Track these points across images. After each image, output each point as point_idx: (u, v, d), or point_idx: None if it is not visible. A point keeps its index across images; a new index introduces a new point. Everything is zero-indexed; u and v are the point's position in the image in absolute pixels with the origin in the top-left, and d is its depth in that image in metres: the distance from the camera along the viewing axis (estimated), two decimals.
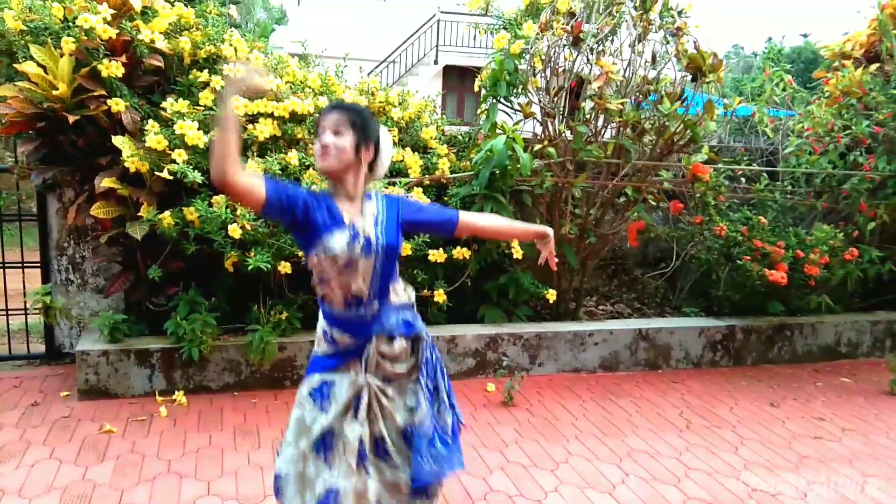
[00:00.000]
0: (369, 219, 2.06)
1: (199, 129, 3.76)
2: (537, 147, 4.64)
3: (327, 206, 2.01)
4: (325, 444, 2.03)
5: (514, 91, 4.62)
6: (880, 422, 4.13)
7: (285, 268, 3.89)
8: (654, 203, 5.11)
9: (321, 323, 2.14)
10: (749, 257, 4.92)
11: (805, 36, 34.64)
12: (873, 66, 5.67)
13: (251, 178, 1.89)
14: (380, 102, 4.62)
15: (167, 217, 3.76)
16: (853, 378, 4.93)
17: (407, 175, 4.38)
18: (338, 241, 1.97)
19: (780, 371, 5.02)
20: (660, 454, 3.57)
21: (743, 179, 6.00)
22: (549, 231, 2.42)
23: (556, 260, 2.48)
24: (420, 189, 4.30)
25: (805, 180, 5.81)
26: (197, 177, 3.70)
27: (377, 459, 2.07)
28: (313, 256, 2.01)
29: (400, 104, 4.72)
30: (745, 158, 6.22)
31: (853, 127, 5.35)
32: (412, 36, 17.32)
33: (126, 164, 3.72)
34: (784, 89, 6.08)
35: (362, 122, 2.02)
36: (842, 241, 5.16)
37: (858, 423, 4.09)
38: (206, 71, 4.09)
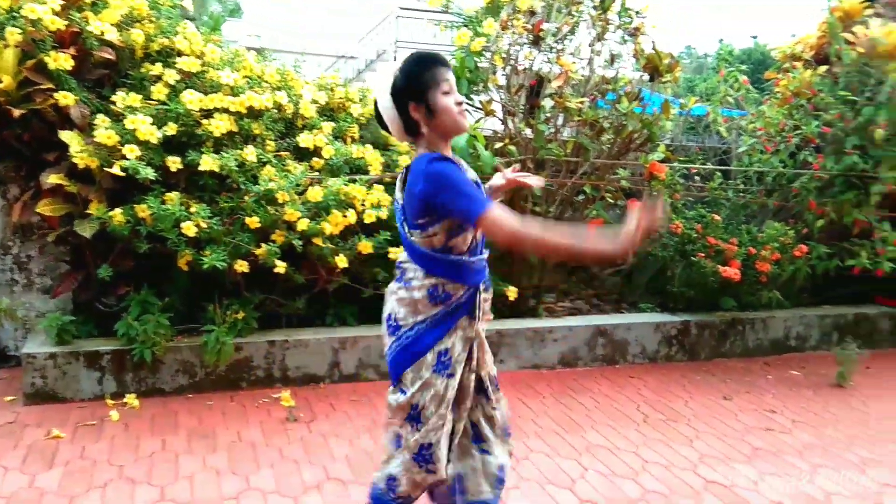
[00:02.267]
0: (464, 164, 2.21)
1: (151, 123, 3.65)
2: (498, 145, 4.65)
3: (460, 168, 2.11)
4: (454, 405, 2.21)
5: (475, 89, 4.62)
6: (828, 413, 4.27)
7: (242, 266, 3.81)
8: (612, 201, 5.17)
9: (424, 284, 2.11)
10: (703, 254, 5.03)
11: (755, 37, 35.60)
12: (822, 68, 5.84)
13: (512, 216, 1.97)
14: (339, 99, 4.57)
15: (118, 215, 3.64)
16: (802, 371, 5.08)
17: (367, 172, 4.34)
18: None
19: (732, 365, 5.14)
20: (618, 449, 3.62)
21: (698, 178, 6.13)
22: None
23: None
24: (381, 186, 4.26)
25: (757, 179, 5.96)
26: (149, 173, 3.60)
27: (479, 397, 2.30)
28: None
29: (360, 100, 4.67)
30: (699, 157, 6.35)
31: (803, 127, 5.51)
32: (371, 32, 17.21)
33: (74, 160, 3.60)
34: (738, 90, 6.22)
35: None
36: (792, 238, 5.30)
37: (808, 416, 4.22)
38: (158, 64, 3.97)
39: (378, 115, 2.16)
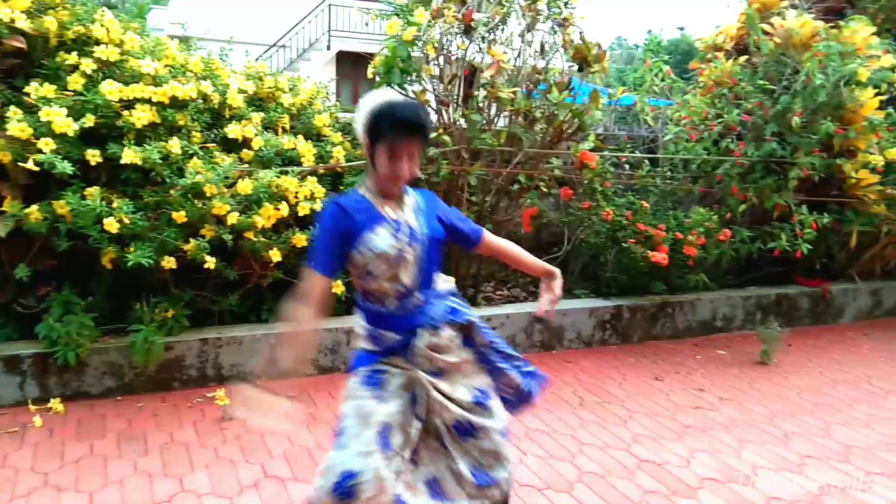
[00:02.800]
0: (409, 211, 2.07)
1: (67, 115, 3.48)
2: (433, 135, 4.64)
3: (364, 207, 2.01)
4: (384, 438, 2.01)
5: (408, 78, 4.59)
6: (753, 390, 4.46)
7: (169, 263, 3.69)
8: (545, 190, 5.24)
9: (362, 324, 2.15)
10: (633, 240, 5.16)
11: (681, 29, 36.67)
12: (742, 58, 6.06)
13: (313, 299, 1.97)
14: (269, 88, 4.47)
15: (34, 211, 3.47)
16: (728, 350, 5.29)
17: (300, 164, 4.27)
18: (382, 238, 1.98)
19: (663, 346, 5.31)
20: (556, 432, 3.69)
21: (627, 166, 6.28)
22: (558, 272, 2.39)
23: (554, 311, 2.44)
24: (314, 178, 4.19)
25: (683, 166, 6.15)
26: (67, 167, 3.43)
27: (438, 448, 2.14)
28: (356, 255, 2.01)
29: (290, 90, 4.58)
30: (628, 146, 6.50)
31: (725, 115, 5.70)
32: (302, 20, 16.88)
33: None
34: (663, 80, 6.39)
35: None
36: (716, 223, 5.50)
37: (734, 393, 4.40)
38: (74, 53, 3.78)
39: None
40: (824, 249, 6.01)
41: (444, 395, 2.12)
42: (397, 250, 2.01)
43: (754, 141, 5.67)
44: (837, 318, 6.22)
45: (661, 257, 5.05)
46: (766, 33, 5.86)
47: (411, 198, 2.12)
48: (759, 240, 5.68)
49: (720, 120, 5.73)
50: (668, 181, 6.04)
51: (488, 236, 2.33)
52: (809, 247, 5.39)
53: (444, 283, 2.23)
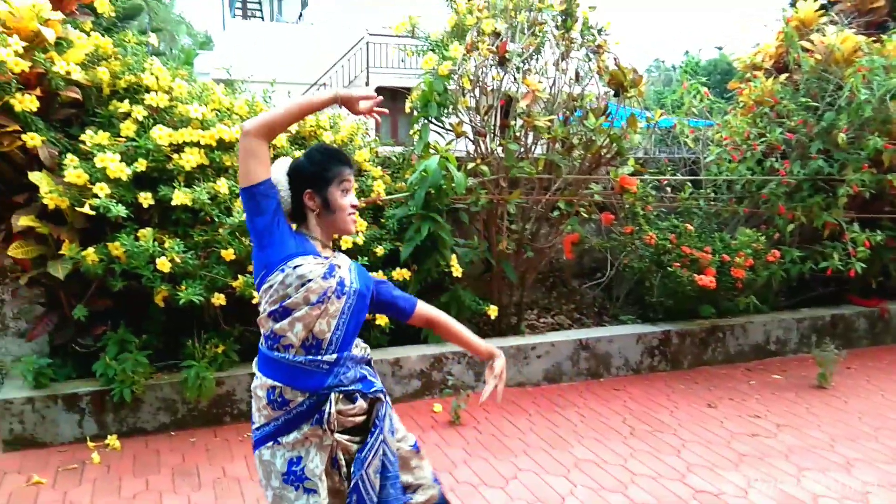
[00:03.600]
0: (343, 264, 2.03)
1: (121, 160, 3.64)
2: (470, 165, 4.69)
3: (301, 241, 1.96)
4: None
5: (445, 111, 4.67)
6: (811, 415, 4.31)
7: (219, 299, 3.79)
8: (586, 215, 5.22)
9: (263, 383, 1.95)
10: (679, 263, 5.08)
11: (720, 49, 36.30)
12: (783, 77, 5.98)
13: (266, 157, 1.89)
14: (311, 127, 4.58)
15: (91, 253, 3.61)
16: (783, 374, 5.13)
17: None
18: (313, 267, 1.89)
19: (715, 372, 5.18)
20: (606, 462, 3.62)
21: (668, 189, 6.21)
22: (500, 353, 2.25)
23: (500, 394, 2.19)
24: (356, 213, 4.26)
25: (726, 187, 6.05)
26: (121, 210, 3.57)
27: None
28: (278, 274, 1.87)
29: (331, 127, 4.69)
30: (669, 168, 6.44)
31: (767, 134, 5.61)
32: (342, 58, 17.30)
33: (45, 201, 3.57)
34: (701, 100, 6.34)
35: None
36: (764, 244, 5.38)
37: (791, 419, 4.26)
38: (126, 101, 3.96)
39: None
40: (879, 267, 5.81)
41: (363, 444, 1.99)
42: (323, 289, 1.89)
43: (800, 159, 5.56)
44: None
45: (708, 280, 4.95)
46: (805, 50, 5.78)
47: (344, 257, 2.08)
48: (809, 259, 5.53)
49: (763, 139, 5.64)
50: (711, 203, 5.95)
51: (423, 306, 2.21)
52: (863, 265, 5.23)
53: (360, 350, 2.07)
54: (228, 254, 3.77)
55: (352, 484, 1.95)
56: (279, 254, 1.90)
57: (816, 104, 5.57)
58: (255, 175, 1.87)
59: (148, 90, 4.01)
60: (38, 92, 3.68)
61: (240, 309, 4.03)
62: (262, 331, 1.99)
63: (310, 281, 1.87)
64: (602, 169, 5.19)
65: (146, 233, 3.66)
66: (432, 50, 4.90)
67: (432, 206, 4.42)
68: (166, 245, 3.66)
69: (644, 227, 5.28)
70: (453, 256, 4.58)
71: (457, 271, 4.55)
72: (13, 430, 3.68)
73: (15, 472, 3.43)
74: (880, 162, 5.34)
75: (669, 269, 5.12)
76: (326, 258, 1.97)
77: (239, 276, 3.81)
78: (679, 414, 4.32)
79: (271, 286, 1.89)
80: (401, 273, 4.35)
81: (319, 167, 1.97)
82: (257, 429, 1.99)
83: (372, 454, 1.99)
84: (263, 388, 1.95)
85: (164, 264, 3.59)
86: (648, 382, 4.92)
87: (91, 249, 3.62)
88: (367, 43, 17.17)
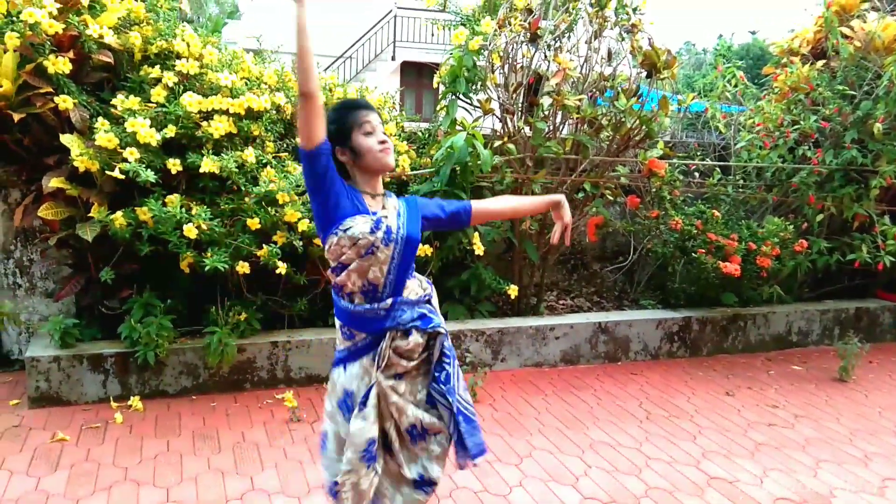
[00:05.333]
0: (391, 211, 2.12)
1: (151, 126, 3.66)
2: (497, 143, 4.65)
3: (354, 196, 2.07)
4: (369, 453, 2.05)
5: (473, 87, 4.63)
6: (830, 408, 4.27)
7: (243, 268, 3.82)
8: (611, 198, 5.18)
9: (338, 320, 2.17)
10: (703, 250, 5.03)
11: (753, 33, 35.53)
12: (820, 63, 5.84)
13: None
14: (338, 99, 4.57)
15: (119, 218, 3.65)
16: (804, 366, 5.08)
17: None
18: (360, 226, 2.01)
19: (734, 360, 5.15)
20: (621, 445, 3.62)
21: (697, 174, 6.13)
22: (562, 198, 2.38)
23: (568, 235, 2.40)
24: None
25: (756, 174, 5.96)
26: (150, 176, 3.60)
27: (384, 453, 2.13)
28: (333, 237, 2.02)
29: None
30: (698, 153, 6.35)
31: (801, 122, 5.51)
32: (369, 31, 17.19)
33: (75, 164, 3.60)
34: (736, 85, 6.22)
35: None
36: (792, 234, 5.31)
37: (810, 410, 4.22)
38: (157, 67, 3.98)
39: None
40: None
41: (402, 396, 2.12)
42: (370, 242, 2.01)
43: (833, 148, 5.45)
44: None
45: (733, 268, 4.90)
46: (845, 37, 5.64)
47: (393, 200, 2.17)
48: (837, 251, 5.45)
49: (796, 127, 5.54)
50: (740, 190, 5.86)
51: (478, 205, 2.33)
52: (892, 259, 5.14)
53: (421, 288, 2.20)
54: (254, 223, 3.79)
55: (454, 409, 2.12)
56: (334, 216, 2.02)
57: (853, 92, 5.45)
58: (320, 134, 1.97)
59: (179, 56, 4.02)
60: (70, 55, 3.71)
61: (264, 278, 4.07)
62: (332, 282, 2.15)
63: (359, 239, 2.00)
64: (629, 151, 5.14)
65: (174, 199, 3.69)
66: (463, 24, 4.86)
67: (457, 184, 4.41)
68: (193, 212, 3.69)
69: (670, 211, 5.22)
70: (476, 234, 4.57)
71: (479, 249, 4.54)
72: (39, 387, 3.76)
73: (40, 429, 3.51)
74: None
75: (693, 255, 5.07)
76: (374, 213, 2.06)
77: (264, 245, 3.83)
78: (696, 400, 4.30)
79: (329, 247, 2.05)
80: (422, 249, 4.35)
81: (338, 122, 2.07)
82: (337, 351, 2.20)
83: (457, 380, 2.17)
84: (338, 325, 2.18)
85: (190, 230, 3.63)
86: (666, 368, 4.91)
87: (119, 213, 3.66)
88: (395, 16, 17.04)
